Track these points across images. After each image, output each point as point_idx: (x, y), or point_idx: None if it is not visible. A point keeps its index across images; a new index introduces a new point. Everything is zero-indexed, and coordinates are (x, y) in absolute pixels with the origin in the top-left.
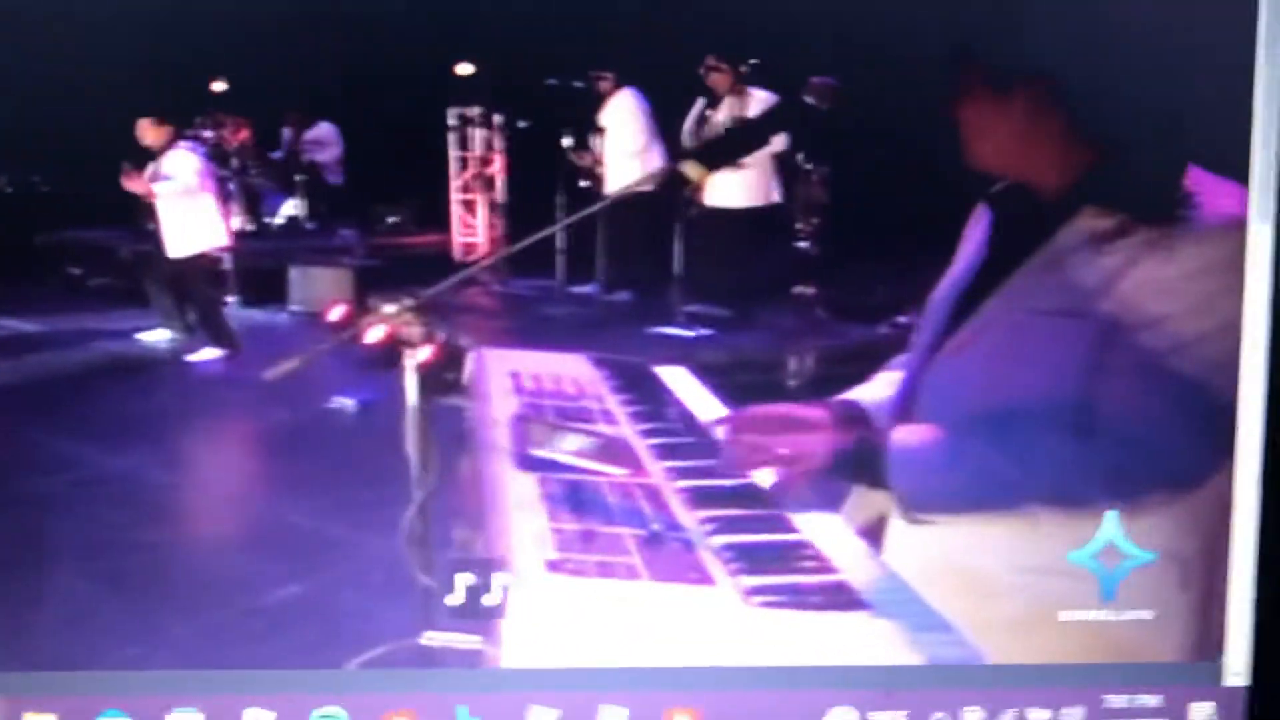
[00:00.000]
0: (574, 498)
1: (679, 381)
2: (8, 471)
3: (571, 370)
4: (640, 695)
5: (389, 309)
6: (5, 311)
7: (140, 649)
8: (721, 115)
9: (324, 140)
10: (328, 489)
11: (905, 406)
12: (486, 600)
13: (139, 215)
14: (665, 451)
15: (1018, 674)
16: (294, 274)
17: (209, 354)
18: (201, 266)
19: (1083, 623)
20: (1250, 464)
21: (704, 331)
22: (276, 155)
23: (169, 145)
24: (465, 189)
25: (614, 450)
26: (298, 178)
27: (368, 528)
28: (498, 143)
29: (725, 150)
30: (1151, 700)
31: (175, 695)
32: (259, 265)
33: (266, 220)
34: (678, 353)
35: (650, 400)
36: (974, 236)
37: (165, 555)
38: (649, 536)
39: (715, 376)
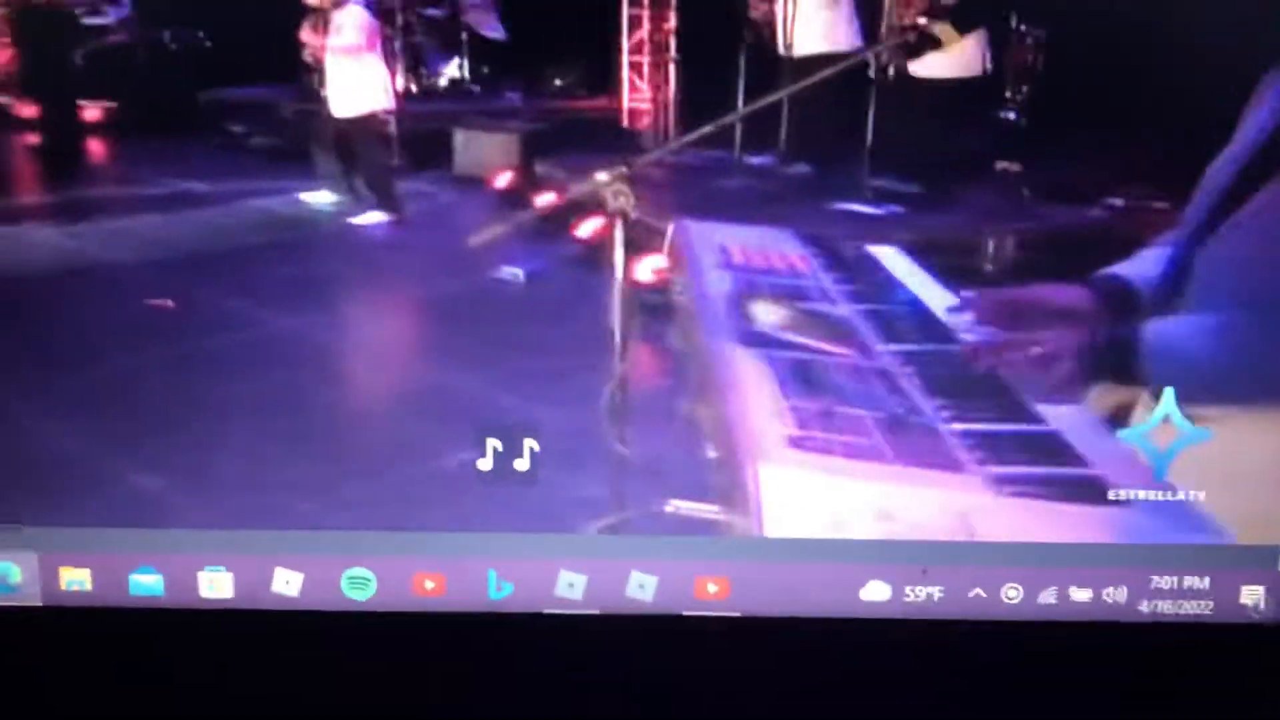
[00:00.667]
0: (804, 376)
1: (895, 262)
2: (178, 328)
3: (776, 246)
4: (670, 564)
5: (602, 176)
6: (169, 170)
7: (314, 506)
8: None
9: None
10: (499, 359)
11: (1174, 289)
12: (517, 465)
13: (303, 73)
14: (892, 334)
15: (1059, 552)
16: (458, 138)
17: (373, 218)
18: (368, 128)
19: None
20: None
21: (893, 209)
22: (436, 12)
23: (339, 1)
24: (636, 49)
25: (839, 329)
26: (462, 37)
27: (543, 399)
28: None
29: (984, 7)
30: (1200, 582)
31: (206, 555)
32: (422, 129)
33: (429, 81)
34: (862, 230)
35: (866, 280)
36: (1263, 107)
37: (339, 417)
38: (889, 418)
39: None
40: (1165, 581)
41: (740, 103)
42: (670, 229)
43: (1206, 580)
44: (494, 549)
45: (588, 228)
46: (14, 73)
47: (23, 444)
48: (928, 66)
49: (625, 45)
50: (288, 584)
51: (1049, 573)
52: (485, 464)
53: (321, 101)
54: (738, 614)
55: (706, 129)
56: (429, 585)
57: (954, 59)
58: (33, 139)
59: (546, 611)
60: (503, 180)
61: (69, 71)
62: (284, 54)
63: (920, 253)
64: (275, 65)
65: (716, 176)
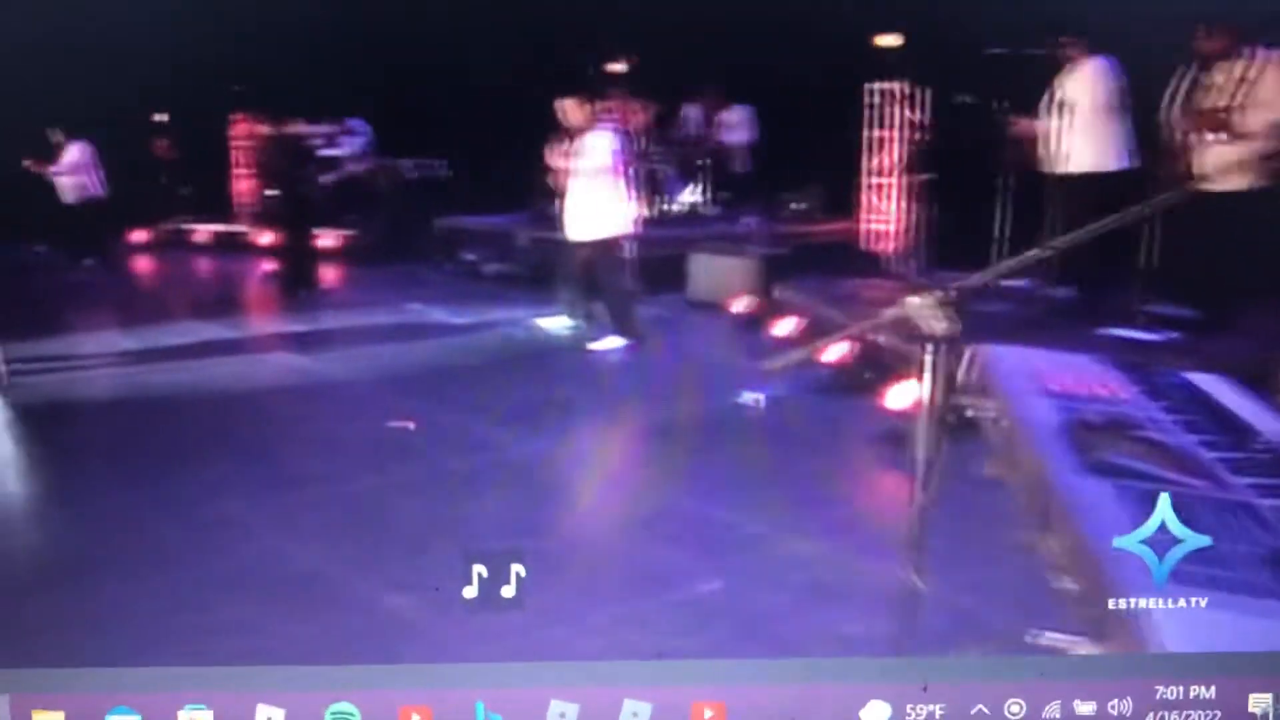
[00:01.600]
0: (1155, 508)
1: (1218, 389)
2: (426, 448)
3: (1087, 372)
4: (665, 690)
5: (915, 300)
6: (405, 296)
7: (562, 631)
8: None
9: (737, 122)
10: (741, 484)
11: None
12: (505, 592)
13: (540, 200)
14: (1241, 465)
15: (1060, 665)
16: (695, 263)
17: (612, 343)
18: (607, 253)
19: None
20: None
21: (1170, 335)
22: (678, 137)
23: (590, 125)
24: (878, 172)
25: (1182, 460)
26: (699, 162)
27: (786, 527)
28: (918, 119)
29: None
30: (1206, 691)
31: (186, 692)
32: (659, 254)
33: (666, 206)
34: (1139, 357)
35: (1196, 408)
36: None
37: (581, 542)
38: (1269, 552)
39: None
40: (1171, 692)
41: (1000, 223)
42: (968, 354)
43: (1213, 689)
44: (481, 679)
45: (834, 352)
46: (254, 202)
47: None
48: (1219, 179)
49: (867, 167)
50: None
51: (1052, 686)
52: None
53: (559, 227)
54: None
55: (1034, 254)
56: (415, 719)
57: (1242, 167)
58: (271, 266)
59: None
60: (740, 305)
61: (307, 201)
62: (522, 182)
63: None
64: (512, 193)
65: (992, 300)
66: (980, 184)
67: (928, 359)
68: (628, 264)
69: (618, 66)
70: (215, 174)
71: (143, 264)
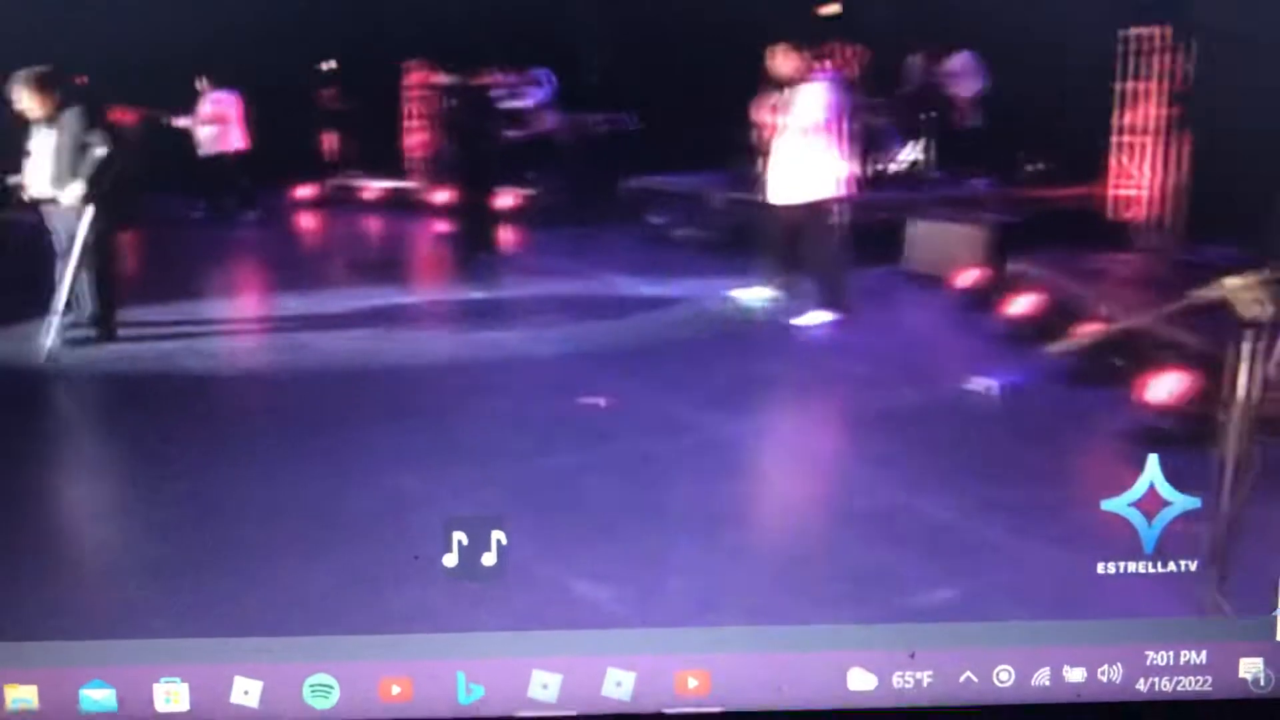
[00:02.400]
0: None
1: None
2: (618, 428)
3: None
4: (649, 659)
5: (1234, 281)
6: (586, 261)
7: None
8: None
9: (963, 71)
10: (970, 482)
11: None
12: (485, 560)
13: (740, 159)
14: None
15: (1049, 631)
16: (915, 230)
17: (817, 317)
18: (814, 218)
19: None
20: None
21: None
22: (899, 89)
23: (803, 76)
24: (1129, 129)
25: None
26: (922, 116)
27: (1028, 534)
28: (1184, 68)
29: None
30: (1197, 656)
31: (161, 665)
32: (872, 219)
33: (882, 166)
34: None
35: None
36: None
37: (791, 537)
38: None
39: None
40: (1162, 657)
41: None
42: None
43: (1204, 654)
44: (463, 650)
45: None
46: (428, 158)
47: None
48: None
49: (1116, 124)
50: (246, 694)
51: (1042, 652)
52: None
53: (761, 189)
54: (719, 709)
55: None
56: (395, 690)
57: None
58: (447, 226)
59: (519, 715)
60: (966, 279)
61: (490, 157)
62: (719, 138)
63: None
64: (708, 150)
65: None
66: (1256, 145)
67: (1246, 347)
68: (838, 230)
69: (833, 9)
70: (386, 127)
71: (306, 221)
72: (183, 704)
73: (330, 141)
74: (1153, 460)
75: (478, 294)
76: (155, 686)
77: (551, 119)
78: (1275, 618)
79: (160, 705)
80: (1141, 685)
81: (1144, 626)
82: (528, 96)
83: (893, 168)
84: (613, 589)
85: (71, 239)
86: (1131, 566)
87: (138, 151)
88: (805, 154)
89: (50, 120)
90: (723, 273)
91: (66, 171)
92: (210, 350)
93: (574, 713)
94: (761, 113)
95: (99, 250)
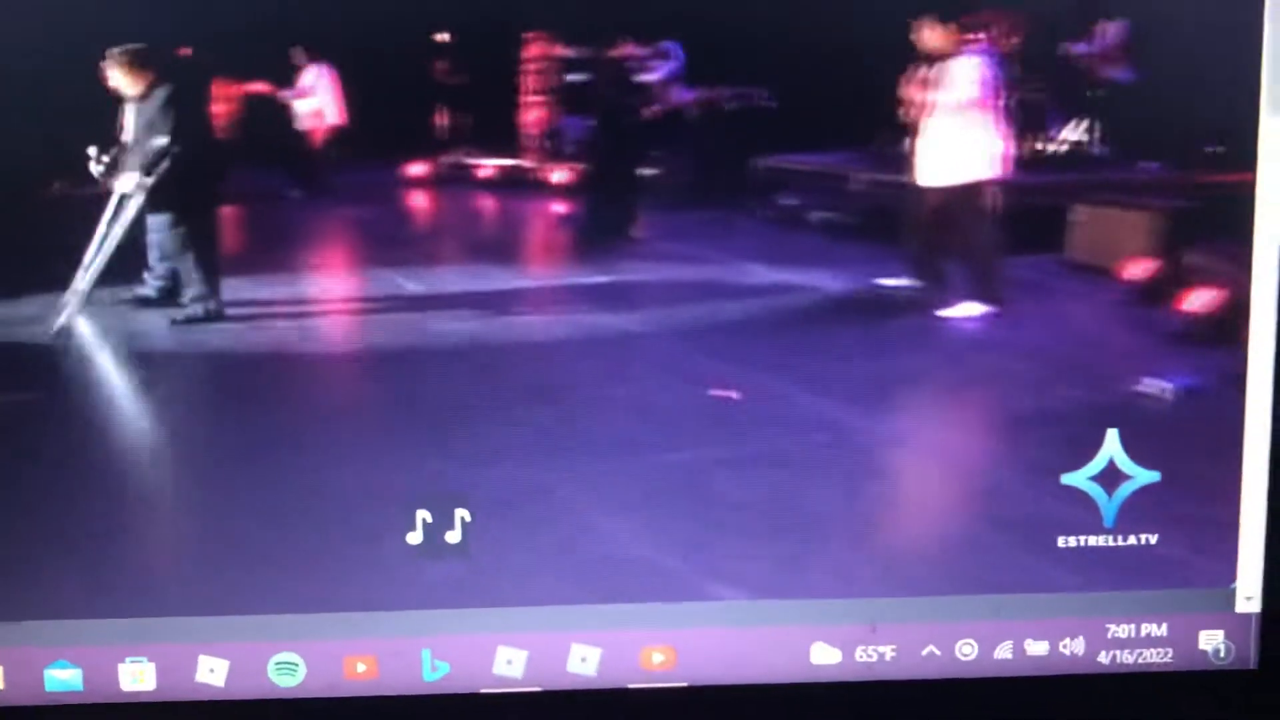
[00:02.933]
0: None
1: None
2: (752, 422)
3: None
4: (613, 634)
5: None
6: (715, 245)
7: None
8: None
9: (1127, 43)
10: None
11: None
12: (449, 538)
13: (881, 135)
14: None
15: (1012, 605)
16: (1077, 215)
17: (968, 310)
18: (966, 201)
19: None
20: (1263, 369)
21: None
22: (1060, 62)
23: (955, 49)
24: None
25: None
26: (1088, 93)
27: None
28: None
29: None
30: (1158, 629)
31: (127, 645)
32: (1030, 203)
33: (1043, 146)
34: None
35: None
36: None
37: (939, 547)
38: None
39: None
40: (1123, 629)
41: None
42: None
43: (1165, 626)
44: (428, 627)
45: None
46: (545, 134)
47: None
48: None
49: None
50: (212, 672)
51: (1003, 625)
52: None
53: (906, 169)
54: (685, 684)
55: None
56: (360, 668)
57: None
58: (566, 207)
59: (484, 691)
60: (1136, 270)
61: (617, 134)
62: (860, 115)
63: None
64: (847, 128)
65: None
66: None
67: None
68: (991, 215)
69: None
70: (503, 102)
71: (417, 200)
72: (149, 683)
73: (443, 117)
74: (1112, 435)
75: (598, 278)
76: (121, 666)
77: (680, 94)
78: (1234, 590)
79: (126, 685)
80: (1103, 658)
81: (1105, 600)
82: (655, 70)
83: (1053, 148)
84: (751, 578)
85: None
86: (1092, 540)
87: (224, 134)
88: (957, 133)
89: (141, 98)
90: (863, 260)
91: (131, 156)
92: (317, 331)
93: (539, 688)
94: (909, 88)
95: (193, 230)
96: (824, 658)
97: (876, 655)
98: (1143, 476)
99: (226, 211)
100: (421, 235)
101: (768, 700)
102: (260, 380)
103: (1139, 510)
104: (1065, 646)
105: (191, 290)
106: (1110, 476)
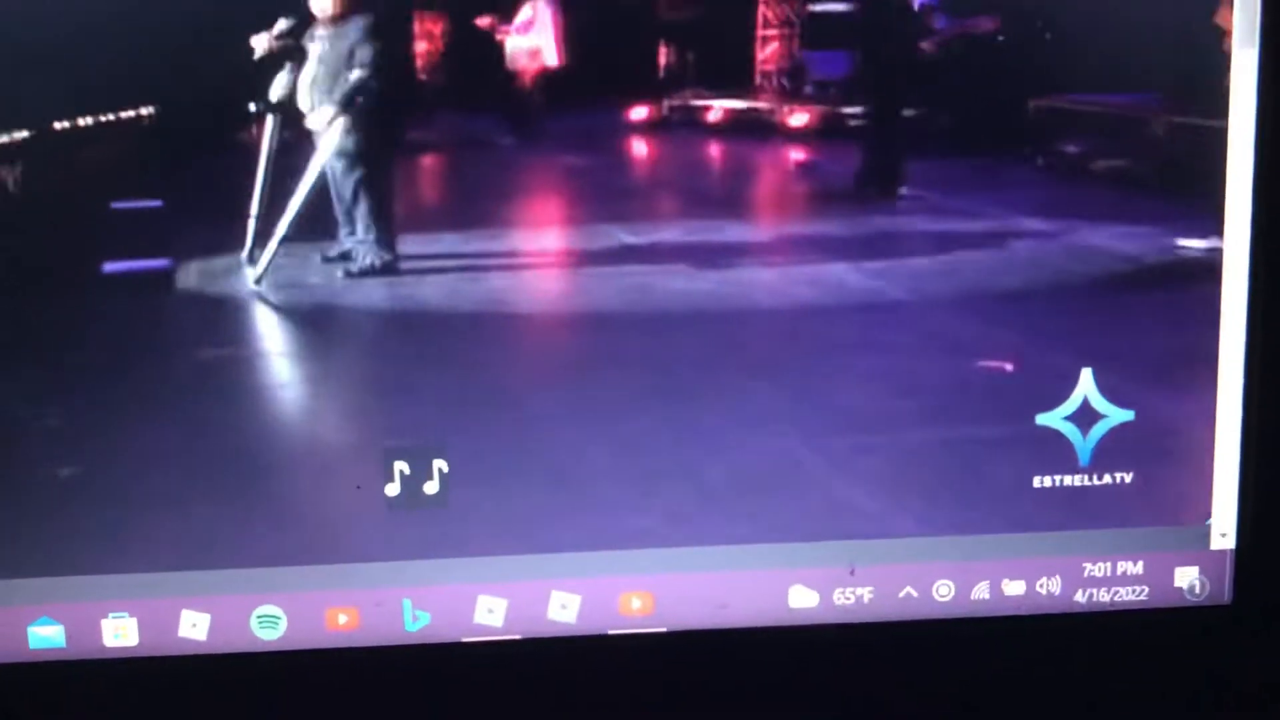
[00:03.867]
0: None
1: None
2: (1026, 399)
3: None
4: (592, 581)
5: None
6: (989, 200)
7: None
8: None
9: None
10: None
11: None
12: (427, 488)
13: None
14: None
15: (987, 546)
16: None
17: None
18: None
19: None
20: (1236, 309)
21: None
22: None
23: None
24: None
25: None
26: None
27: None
28: None
29: None
30: (1134, 567)
31: (109, 601)
32: None
33: None
34: None
35: None
36: None
37: None
38: None
39: None
40: (1099, 568)
41: None
42: None
43: (1140, 565)
44: (408, 577)
45: None
46: (784, 73)
47: None
48: None
49: None
50: (195, 626)
51: (980, 565)
52: None
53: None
54: (664, 629)
55: None
56: (342, 620)
57: None
58: (800, 155)
59: (466, 640)
60: None
61: (858, 73)
62: (1154, 50)
63: None
64: (1137, 66)
65: None
66: None
67: None
68: None
69: None
70: (736, 38)
71: (639, 147)
72: (131, 639)
73: (669, 54)
74: (1086, 374)
75: (845, 232)
76: (104, 622)
77: (943, 25)
78: (1209, 526)
79: (109, 640)
80: (1080, 597)
81: (1081, 539)
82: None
83: None
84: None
85: (325, 161)
86: (1067, 480)
87: (429, 72)
88: None
89: (336, 21)
90: (1162, 217)
91: (323, 88)
92: (520, 288)
93: (519, 636)
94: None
95: (373, 174)
96: (802, 601)
97: (854, 598)
98: (1117, 415)
99: (429, 159)
100: (643, 185)
101: (747, 644)
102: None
103: (1114, 449)
104: (1042, 586)
105: (369, 238)
106: (1085, 416)
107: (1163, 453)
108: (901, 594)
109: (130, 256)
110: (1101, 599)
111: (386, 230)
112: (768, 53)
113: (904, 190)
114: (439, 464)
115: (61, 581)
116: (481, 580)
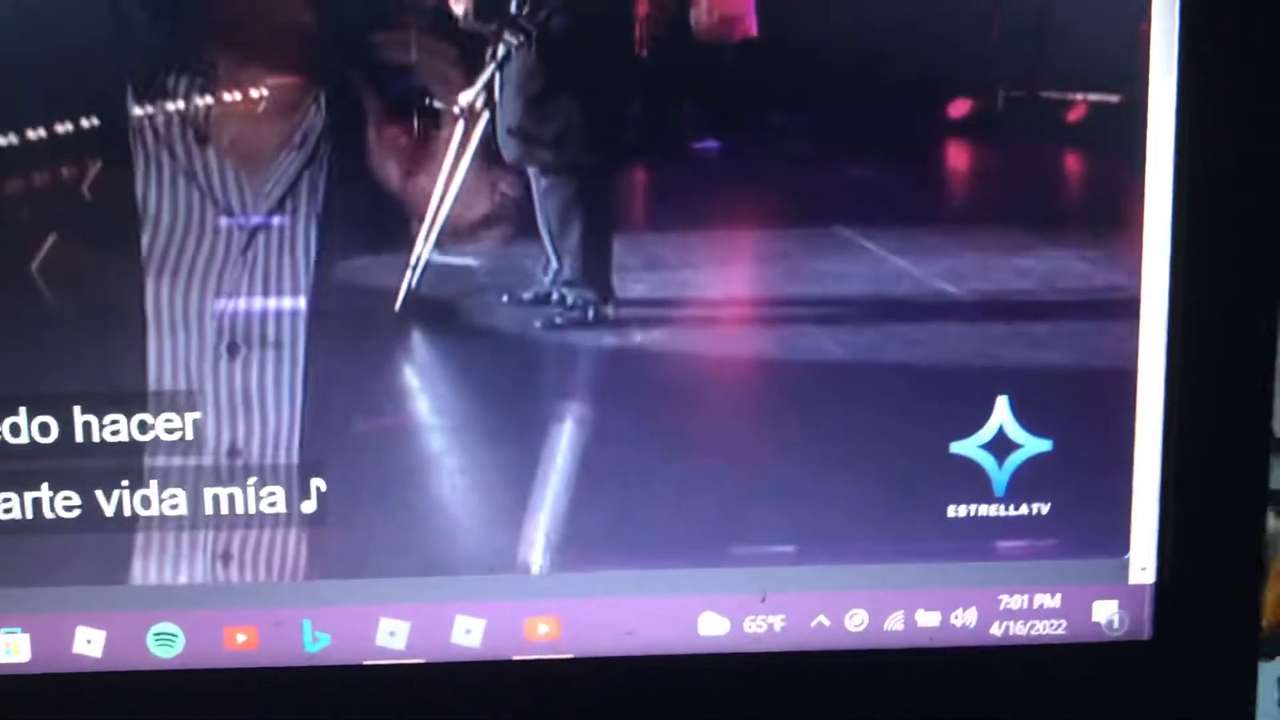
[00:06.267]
0: None
1: None
2: None
3: None
4: (497, 605)
5: None
6: None
7: None
8: None
9: None
10: None
11: None
12: (305, 507)
13: None
14: None
15: (902, 575)
16: None
17: None
18: None
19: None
20: (1155, 339)
21: None
22: None
23: None
24: None
25: None
26: None
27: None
28: None
29: None
30: (1051, 600)
31: (3, 615)
32: None
33: None
34: None
35: None
36: None
37: None
38: None
39: None
40: (1015, 601)
41: None
42: None
43: (1058, 597)
44: (308, 597)
45: None
46: None
47: None
48: None
49: None
50: (90, 643)
51: (894, 595)
52: None
53: None
54: (571, 655)
55: None
56: (241, 639)
57: None
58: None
59: (368, 662)
60: None
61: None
62: None
63: None
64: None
65: None
66: None
67: None
68: None
69: None
70: None
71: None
72: (23, 655)
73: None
74: (1002, 401)
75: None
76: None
77: None
78: (1128, 560)
79: (0, 657)
80: (996, 630)
81: (997, 570)
82: None
83: None
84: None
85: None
86: (983, 510)
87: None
88: None
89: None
90: (1080, 245)
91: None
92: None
93: (423, 660)
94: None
95: (579, 191)
96: (712, 628)
97: (766, 626)
98: (1034, 445)
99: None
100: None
101: (655, 671)
102: None
103: (1030, 480)
104: (957, 618)
105: (570, 274)
106: (1001, 445)
107: (1081, 484)
108: (814, 623)
109: None
110: (1018, 632)
111: (586, 264)
112: None
113: None
114: (316, 482)
115: None
116: (384, 601)
